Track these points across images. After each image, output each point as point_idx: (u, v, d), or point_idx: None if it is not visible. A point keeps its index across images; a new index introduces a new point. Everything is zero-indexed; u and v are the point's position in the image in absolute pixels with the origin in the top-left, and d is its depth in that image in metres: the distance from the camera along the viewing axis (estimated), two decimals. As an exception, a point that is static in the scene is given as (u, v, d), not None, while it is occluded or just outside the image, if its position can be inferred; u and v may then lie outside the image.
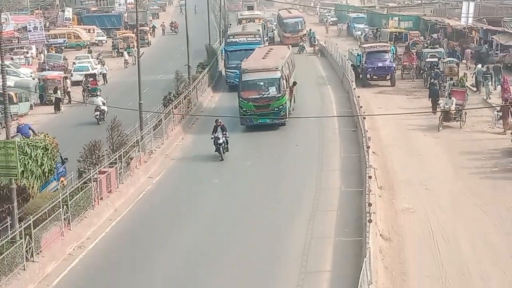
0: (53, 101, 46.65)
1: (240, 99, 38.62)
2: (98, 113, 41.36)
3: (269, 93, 38.38)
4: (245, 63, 41.68)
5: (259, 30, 58.23)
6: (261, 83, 38.99)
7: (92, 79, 49.69)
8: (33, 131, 31.56)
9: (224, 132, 32.84)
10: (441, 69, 47.04)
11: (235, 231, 24.71)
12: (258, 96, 38.47)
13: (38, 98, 48.37)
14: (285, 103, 38.45)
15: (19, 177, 23.26)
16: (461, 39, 61.94)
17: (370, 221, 20.90)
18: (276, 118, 38.32)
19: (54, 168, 26.95)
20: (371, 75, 50.74)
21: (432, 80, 44.31)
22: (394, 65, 50.66)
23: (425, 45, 59.56)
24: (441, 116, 37.36)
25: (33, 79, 51.95)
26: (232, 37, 55.50)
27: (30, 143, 26.10)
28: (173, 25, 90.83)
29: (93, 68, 58.40)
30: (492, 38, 56.78)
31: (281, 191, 28.74)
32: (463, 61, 53.43)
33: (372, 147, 30.88)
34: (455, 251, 22.31)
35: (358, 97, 41.47)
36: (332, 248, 22.52)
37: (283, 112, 38.34)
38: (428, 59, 50.27)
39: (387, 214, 25.27)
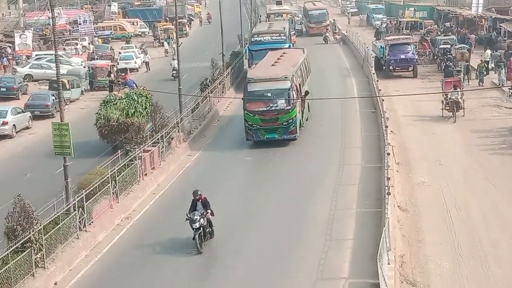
0: (107, 85, 46.84)
1: (245, 112, 32.25)
2: None
3: (277, 106, 31.98)
4: (252, 71, 36.36)
5: (284, 28, 52.47)
6: (269, 94, 32.56)
7: (124, 73, 47.34)
8: (136, 84, 39.99)
9: (206, 211, 20.69)
10: (454, 55, 46.79)
11: (266, 201, 24.80)
12: (265, 109, 32.13)
13: (88, 85, 48.64)
14: (295, 116, 31.95)
15: (132, 116, 30.62)
16: (472, 27, 61.55)
17: (388, 193, 20.89)
18: (285, 133, 31.91)
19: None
20: (394, 66, 47.62)
21: (447, 62, 44.07)
22: (417, 57, 47.75)
23: (439, 33, 59.02)
24: (450, 107, 35.02)
25: (84, 67, 52.19)
26: (256, 36, 50.07)
27: (136, 92, 33.19)
28: (208, 16, 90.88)
29: (137, 57, 58.61)
30: (500, 26, 56.45)
31: (307, 167, 28.74)
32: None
33: (390, 127, 30.75)
34: (466, 221, 22.21)
35: (377, 81, 41.31)
36: (354, 218, 22.52)
37: (293, 126, 31.87)
38: (441, 46, 49.87)
39: (404, 187, 25.20)
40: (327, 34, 68.63)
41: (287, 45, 40.42)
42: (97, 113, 31.93)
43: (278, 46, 44.55)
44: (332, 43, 66.70)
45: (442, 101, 35.26)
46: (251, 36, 50.78)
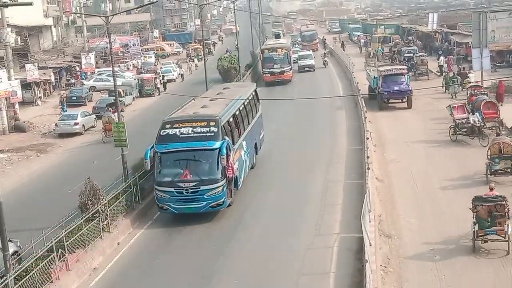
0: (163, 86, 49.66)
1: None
2: None
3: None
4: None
5: (217, 117, 24.80)
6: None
7: (114, 107, 32.23)
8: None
9: None
10: (415, 61, 46.66)
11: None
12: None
13: (138, 93, 48.72)
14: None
15: None
16: (428, 39, 61.36)
17: (368, 168, 20.85)
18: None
19: None
20: (387, 98, 36.41)
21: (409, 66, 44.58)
22: (411, 88, 35.71)
23: (403, 44, 58.81)
24: (468, 131, 27.09)
25: (134, 79, 52.27)
26: (169, 126, 20.90)
27: None
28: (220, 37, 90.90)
29: (174, 70, 58.54)
30: (450, 38, 56.15)
31: (305, 148, 28.45)
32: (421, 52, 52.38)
33: (368, 117, 30.64)
34: (428, 187, 22.13)
35: (357, 83, 41.11)
36: (342, 188, 22.49)
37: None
38: (406, 54, 49.89)
39: (380, 164, 25.11)
40: (326, 59, 57.78)
41: (214, 145, 19.93)
42: None
43: (200, 147, 20.05)
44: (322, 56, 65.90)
45: (451, 127, 27.80)
46: (161, 127, 21.07)
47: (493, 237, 16.29)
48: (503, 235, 16.12)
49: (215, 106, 22.82)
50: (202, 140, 20.00)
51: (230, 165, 19.90)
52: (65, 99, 44.38)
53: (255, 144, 25.52)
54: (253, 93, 27.30)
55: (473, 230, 16.32)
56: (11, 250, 15.96)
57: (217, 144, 19.91)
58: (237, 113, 23.27)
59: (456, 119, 27.77)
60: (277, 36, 63.59)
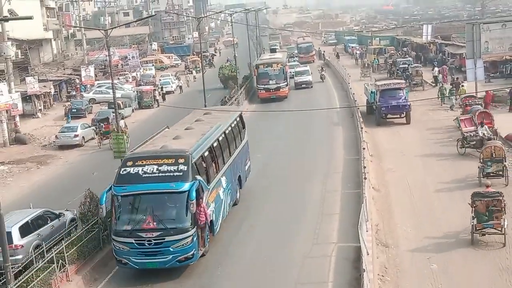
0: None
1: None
2: None
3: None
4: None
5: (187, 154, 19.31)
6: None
7: (105, 123, 36.68)
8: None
9: None
10: (410, 72, 46.77)
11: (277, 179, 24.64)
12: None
13: (137, 104, 48.73)
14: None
15: None
16: (423, 50, 61.60)
17: (365, 178, 20.80)
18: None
19: None
20: (385, 113, 34.69)
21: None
22: (409, 103, 34.01)
23: (398, 56, 59.02)
24: (478, 143, 25.84)
25: (133, 91, 52.32)
26: (130, 164, 17.15)
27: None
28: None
29: (172, 82, 58.60)
30: (445, 49, 56.36)
31: (304, 160, 28.49)
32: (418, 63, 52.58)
33: (364, 128, 30.66)
34: (425, 196, 22.11)
35: (353, 94, 41.17)
36: (339, 197, 22.46)
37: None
38: (401, 66, 50.05)
39: (377, 173, 25.09)
40: (324, 73, 55.69)
41: (182, 187, 16.43)
42: None
43: (165, 189, 16.58)
44: (318, 66, 65.75)
45: (459, 140, 27.04)
46: (121, 165, 17.77)
47: (491, 231, 17.15)
48: (500, 229, 17.01)
49: (190, 137, 19.37)
50: (168, 181, 16.43)
51: (202, 210, 16.61)
52: (70, 110, 44.75)
53: (239, 177, 22.25)
54: (237, 119, 23.67)
55: (472, 224, 17.18)
56: (69, 217, 19.94)
57: (186, 186, 16.31)
58: (215, 144, 19.84)
59: (464, 132, 26.89)
60: (273, 50, 60.43)
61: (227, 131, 21.61)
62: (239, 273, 16.86)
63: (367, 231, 16.86)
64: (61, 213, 20.12)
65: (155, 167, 16.79)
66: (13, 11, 46.30)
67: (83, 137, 36.65)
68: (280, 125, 36.49)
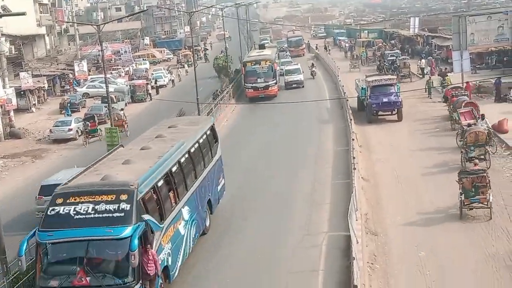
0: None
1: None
2: None
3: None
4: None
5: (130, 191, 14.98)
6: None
7: (92, 121, 35.18)
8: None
9: None
10: (398, 64, 46.92)
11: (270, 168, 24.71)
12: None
13: (130, 98, 48.60)
14: None
15: None
16: (410, 43, 61.80)
17: (354, 169, 20.92)
18: None
19: None
20: (376, 110, 33.15)
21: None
22: (401, 100, 32.68)
23: (386, 48, 59.16)
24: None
25: (126, 85, 52.18)
26: (60, 201, 13.31)
27: None
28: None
29: (165, 76, 58.46)
30: (431, 41, 56.55)
31: (294, 151, 28.56)
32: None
33: (354, 124, 30.69)
34: (412, 184, 22.26)
35: (343, 86, 41.23)
36: (330, 188, 22.54)
37: None
38: (389, 58, 50.15)
39: (366, 164, 25.20)
40: (314, 69, 52.66)
41: (123, 233, 12.56)
42: None
43: (101, 236, 12.67)
44: (309, 59, 65.47)
45: (458, 133, 25.81)
46: (50, 202, 13.46)
47: (477, 205, 18.12)
48: (486, 203, 18.01)
49: (143, 160, 15.41)
50: (106, 224, 12.69)
51: (150, 258, 13.05)
52: (68, 104, 44.54)
53: (209, 201, 18.64)
54: (208, 133, 19.88)
55: (460, 199, 18.13)
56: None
57: (127, 231, 12.60)
58: (174, 169, 15.99)
59: (464, 125, 25.73)
60: (261, 46, 54.38)
61: (192, 150, 17.80)
62: (230, 263, 16.93)
63: (356, 220, 16.98)
64: None
65: (91, 206, 12.96)
66: (6, 7, 46.07)
67: (77, 131, 36.55)
68: (270, 123, 36.10)
